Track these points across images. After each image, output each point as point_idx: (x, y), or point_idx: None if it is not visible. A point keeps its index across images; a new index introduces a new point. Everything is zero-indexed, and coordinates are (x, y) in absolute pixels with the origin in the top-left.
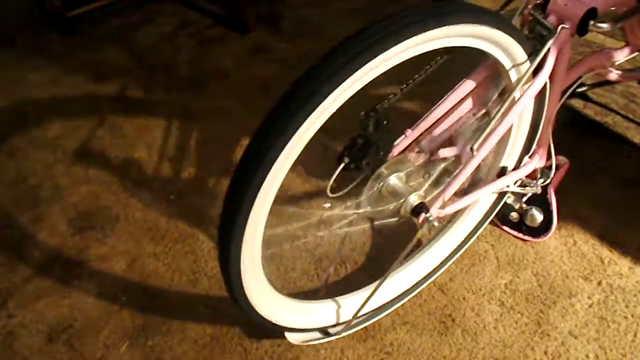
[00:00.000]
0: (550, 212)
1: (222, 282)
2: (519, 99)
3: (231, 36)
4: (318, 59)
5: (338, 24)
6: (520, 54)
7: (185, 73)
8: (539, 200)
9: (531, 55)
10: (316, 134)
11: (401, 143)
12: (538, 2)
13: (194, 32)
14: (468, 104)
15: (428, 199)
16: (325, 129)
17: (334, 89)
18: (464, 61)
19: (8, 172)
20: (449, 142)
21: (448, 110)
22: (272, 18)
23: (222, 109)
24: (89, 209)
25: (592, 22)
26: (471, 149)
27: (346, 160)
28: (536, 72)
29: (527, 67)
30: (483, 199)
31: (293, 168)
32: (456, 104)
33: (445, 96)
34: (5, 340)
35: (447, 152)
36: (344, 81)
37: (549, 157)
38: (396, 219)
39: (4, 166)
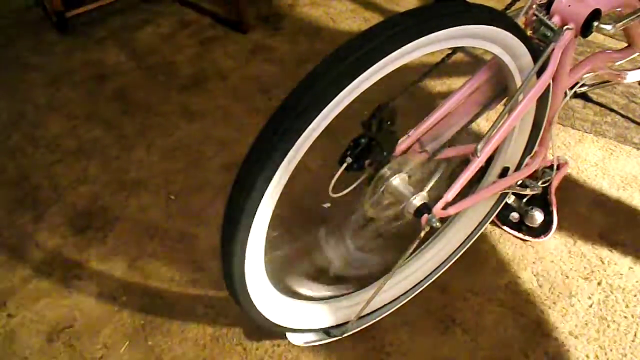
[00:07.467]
0: (551, 212)
1: (222, 282)
2: (522, 99)
3: (231, 36)
4: (330, 54)
5: (338, 24)
6: (524, 54)
7: (185, 73)
8: (540, 201)
9: (535, 56)
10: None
11: (404, 143)
12: (542, 2)
13: (194, 32)
14: (471, 104)
15: (431, 199)
16: (328, 129)
17: (342, 90)
18: (467, 61)
19: (8, 172)
20: (452, 142)
21: (451, 110)
22: (272, 18)
23: (222, 109)
24: (89, 209)
25: (596, 24)
26: (475, 149)
27: (349, 160)
28: (540, 72)
29: (531, 67)
30: (484, 200)
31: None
32: (459, 104)
33: (449, 96)
34: (5, 340)
35: (450, 152)
36: (350, 82)
37: (549, 157)
38: (398, 219)
39: (4, 166)
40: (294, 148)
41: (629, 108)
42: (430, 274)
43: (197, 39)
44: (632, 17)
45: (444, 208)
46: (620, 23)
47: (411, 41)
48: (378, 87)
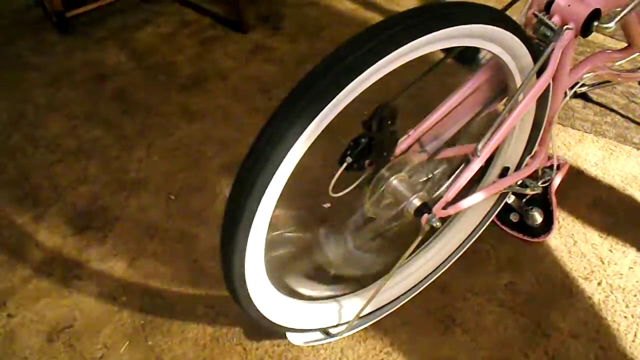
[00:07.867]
0: (551, 212)
1: (222, 282)
2: (522, 99)
3: (231, 36)
4: (330, 52)
5: (338, 24)
6: (524, 54)
7: (185, 73)
8: (540, 200)
9: (535, 56)
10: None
11: (404, 143)
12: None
13: (194, 32)
14: (471, 104)
15: (431, 199)
16: (328, 129)
17: (341, 89)
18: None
19: (8, 172)
20: (452, 142)
21: (451, 110)
22: (272, 18)
23: (222, 109)
24: (89, 209)
25: (595, 23)
26: (475, 149)
27: (349, 160)
28: (540, 72)
29: (531, 67)
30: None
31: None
32: (459, 104)
33: (449, 96)
34: (5, 340)
35: (450, 152)
36: (350, 82)
37: (549, 157)
38: (398, 219)
39: (4, 166)
40: (294, 147)
41: (629, 108)
42: (430, 273)
43: (197, 39)
44: (629, 9)
45: (444, 208)
46: (618, 17)
47: (411, 41)
48: (378, 87)
